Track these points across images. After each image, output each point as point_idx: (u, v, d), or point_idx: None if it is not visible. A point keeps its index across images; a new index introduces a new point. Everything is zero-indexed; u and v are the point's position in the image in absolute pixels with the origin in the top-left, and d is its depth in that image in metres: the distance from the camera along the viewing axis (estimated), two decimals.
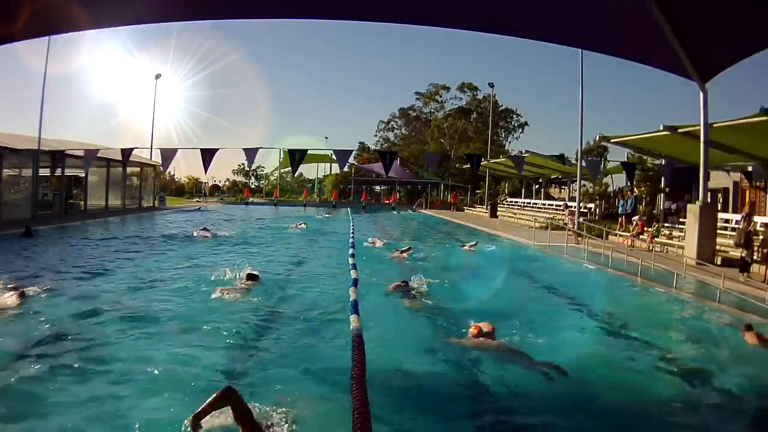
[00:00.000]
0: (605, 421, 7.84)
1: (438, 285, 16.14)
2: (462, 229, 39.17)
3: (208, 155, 22.22)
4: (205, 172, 18.65)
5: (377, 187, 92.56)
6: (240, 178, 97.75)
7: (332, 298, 13.89)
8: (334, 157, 28.63)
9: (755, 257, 19.11)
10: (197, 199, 74.59)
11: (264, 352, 9.93)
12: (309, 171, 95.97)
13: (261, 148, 22.87)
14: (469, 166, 59.01)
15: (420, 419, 7.53)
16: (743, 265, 18.58)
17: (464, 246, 26.79)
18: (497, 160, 56.97)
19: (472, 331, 10.64)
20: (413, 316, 13.09)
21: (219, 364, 9.00)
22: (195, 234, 28.69)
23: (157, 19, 18.50)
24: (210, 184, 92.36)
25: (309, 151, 57.47)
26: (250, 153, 22.99)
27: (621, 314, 13.80)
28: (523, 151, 40.09)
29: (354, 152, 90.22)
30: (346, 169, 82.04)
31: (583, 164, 31.75)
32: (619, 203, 32.44)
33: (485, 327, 10.59)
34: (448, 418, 7.62)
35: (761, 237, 18.61)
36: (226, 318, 11.79)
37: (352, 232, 28.16)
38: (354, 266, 13.55)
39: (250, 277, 15.41)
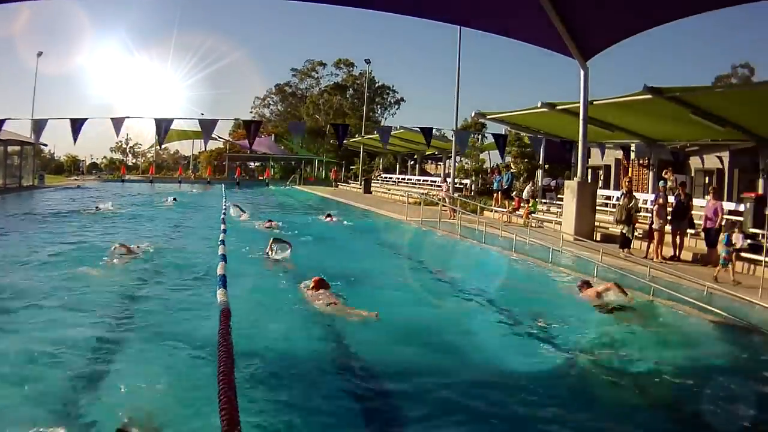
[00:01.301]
0: (437, 355, 8.96)
1: (299, 252, 17.00)
2: (333, 205, 38.63)
3: (77, 125, 20.18)
4: (74, 143, 17.81)
5: (252, 164, 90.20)
6: (118, 156, 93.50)
7: (204, 268, 14.29)
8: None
9: (637, 233, 18.82)
10: (75, 177, 70.15)
11: (135, 325, 9.93)
12: (185, 148, 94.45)
13: (128, 117, 21.03)
14: (344, 141, 58.78)
15: (284, 383, 7.61)
16: (623, 242, 18.19)
17: (326, 218, 27.82)
18: (371, 136, 55.55)
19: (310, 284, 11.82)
20: (275, 277, 14.29)
21: (90, 337, 8.94)
22: (81, 210, 28.70)
23: None
24: (88, 162, 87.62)
25: (185, 128, 55.01)
26: (117, 123, 20.75)
27: (477, 280, 14.56)
28: (398, 127, 38.73)
29: (230, 128, 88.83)
30: (221, 145, 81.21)
31: (449, 137, 30.65)
32: (495, 179, 31.52)
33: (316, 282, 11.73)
34: (309, 381, 7.80)
35: (654, 211, 17.83)
36: (100, 291, 12.00)
37: (224, 207, 27.90)
38: (223, 242, 12.63)
39: (126, 250, 15.74)
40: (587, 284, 12.95)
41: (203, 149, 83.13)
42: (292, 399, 7.06)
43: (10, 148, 46.40)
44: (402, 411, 7.19)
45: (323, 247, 19.51)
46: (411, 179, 51.33)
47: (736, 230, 15.52)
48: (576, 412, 7.25)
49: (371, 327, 10.02)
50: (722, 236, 14.60)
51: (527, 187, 28.89)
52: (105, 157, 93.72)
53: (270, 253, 16.25)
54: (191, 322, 10.06)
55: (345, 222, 27.50)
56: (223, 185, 56.77)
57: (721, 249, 14.24)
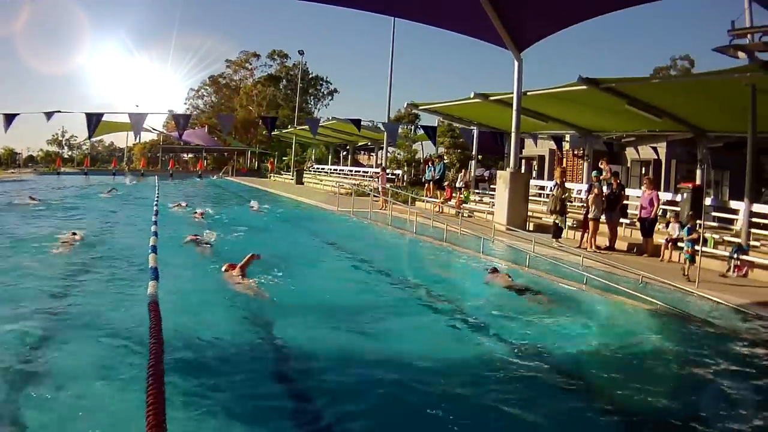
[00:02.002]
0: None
1: (226, 238, 17.38)
2: (264, 196, 37.76)
3: (9, 119, 18.96)
4: (5, 132, 16.97)
5: (185, 155, 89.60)
6: (54, 149, 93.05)
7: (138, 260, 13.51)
8: (145, 125, 27.10)
9: (569, 224, 18.96)
10: (12, 170, 68.03)
11: (67, 313, 9.48)
12: (119, 140, 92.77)
13: (59, 111, 19.95)
14: (276, 132, 58.05)
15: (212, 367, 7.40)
16: (556, 231, 18.18)
17: (252, 207, 27.60)
18: (303, 127, 54.68)
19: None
20: (203, 262, 14.26)
21: (19, 329, 8.32)
22: (18, 201, 27.60)
23: None
24: (24, 155, 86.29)
25: (121, 121, 53.49)
26: (49, 116, 19.84)
27: (402, 269, 14.37)
28: (330, 118, 38.07)
29: (164, 121, 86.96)
30: (155, 137, 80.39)
31: (381, 128, 30.04)
32: (427, 170, 31.01)
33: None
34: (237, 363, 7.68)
35: (589, 200, 17.61)
36: (34, 281, 11.48)
37: (157, 198, 26.59)
38: (155, 233, 11.90)
39: (67, 240, 15.46)
40: (495, 270, 13.01)
41: (137, 141, 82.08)
42: (220, 387, 6.85)
43: None
44: (321, 392, 7.04)
45: (252, 235, 18.97)
46: (343, 170, 50.79)
47: (671, 220, 15.71)
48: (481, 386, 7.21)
49: (292, 310, 10.20)
50: (683, 232, 14.18)
51: (459, 177, 28.36)
52: (41, 149, 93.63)
53: (196, 242, 16.18)
54: (122, 312, 9.57)
55: (274, 212, 27.25)
56: (156, 177, 55.18)
57: (684, 244, 13.62)
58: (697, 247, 13.03)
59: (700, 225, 13.41)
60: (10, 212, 23.65)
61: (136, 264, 13.02)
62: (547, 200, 19.88)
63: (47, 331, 8.46)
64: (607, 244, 17.26)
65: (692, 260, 13.07)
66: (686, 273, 12.92)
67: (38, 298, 10.12)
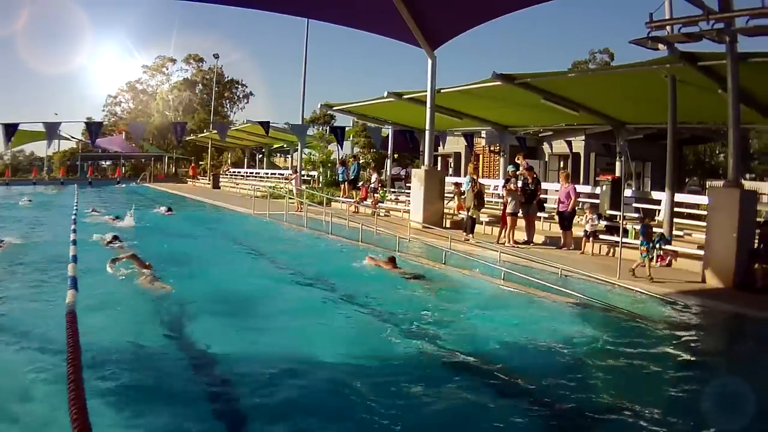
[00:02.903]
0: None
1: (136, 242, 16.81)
2: (181, 201, 37.14)
3: None
4: None
5: (104, 163, 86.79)
6: None
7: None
8: (62, 133, 26.30)
9: (483, 218, 19.10)
10: None
11: None
12: (39, 149, 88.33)
13: None
14: (192, 137, 57.00)
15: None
16: (471, 226, 17.85)
17: (166, 211, 27.02)
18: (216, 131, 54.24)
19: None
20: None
21: None
22: None
23: None
24: None
25: (38, 129, 51.37)
26: None
27: (315, 269, 13.90)
28: (245, 121, 37.42)
29: (82, 128, 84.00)
30: (74, 145, 77.32)
31: (287, 127, 29.36)
32: (338, 170, 30.36)
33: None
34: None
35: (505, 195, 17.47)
36: None
37: (75, 205, 25.91)
38: (74, 242, 11.79)
39: None
40: (372, 258, 13.72)
41: (57, 150, 79.57)
42: (138, 390, 6.73)
43: None
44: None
45: (166, 240, 18.46)
46: (259, 173, 50.32)
47: (587, 212, 15.47)
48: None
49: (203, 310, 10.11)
50: (637, 227, 13.85)
51: (374, 177, 27.84)
52: None
53: (109, 244, 16.21)
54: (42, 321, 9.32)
55: (187, 216, 26.85)
56: (76, 185, 53.11)
57: (640, 241, 12.93)
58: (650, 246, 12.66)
59: (619, 217, 13.15)
60: None
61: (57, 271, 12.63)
62: (463, 197, 19.23)
63: None
64: (525, 239, 17.01)
65: (650, 258, 12.59)
66: (649, 273, 12.26)
67: None
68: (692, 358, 8.29)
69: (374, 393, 6.56)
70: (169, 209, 27.20)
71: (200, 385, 7.20)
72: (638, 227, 13.55)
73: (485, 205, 18.88)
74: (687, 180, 22.44)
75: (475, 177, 18.39)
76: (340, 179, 30.07)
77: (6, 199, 39.93)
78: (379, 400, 6.39)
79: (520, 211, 16.85)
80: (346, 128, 32.33)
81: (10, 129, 19.27)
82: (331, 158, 37.71)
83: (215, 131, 52.41)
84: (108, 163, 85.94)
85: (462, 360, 7.77)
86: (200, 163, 67.87)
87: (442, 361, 7.79)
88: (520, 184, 17.10)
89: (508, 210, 16.83)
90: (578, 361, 7.81)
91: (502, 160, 26.78)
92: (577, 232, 16.03)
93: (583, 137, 27.61)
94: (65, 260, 10.30)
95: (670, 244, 13.78)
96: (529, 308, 10.48)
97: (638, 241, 12.68)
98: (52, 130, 20.96)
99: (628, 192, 17.31)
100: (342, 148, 30.98)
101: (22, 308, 10.20)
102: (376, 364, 7.68)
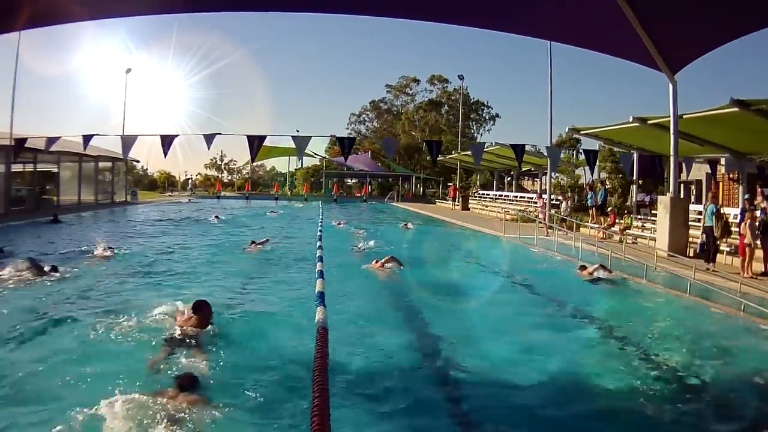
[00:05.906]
0: None
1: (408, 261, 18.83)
2: (435, 222, 39.48)
3: (167, 141, 21.53)
4: (165, 156, 19.89)
5: (349, 180, 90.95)
6: (212, 173, 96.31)
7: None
8: (308, 150, 29.00)
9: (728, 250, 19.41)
10: (169, 194, 73.35)
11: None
12: (281, 164, 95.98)
13: (219, 134, 21.86)
14: (441, 158, 59.11)
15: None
16: (713, 254, 18.91)
17: (404, 227, 31.97)
18: (467, 152, 55.71)
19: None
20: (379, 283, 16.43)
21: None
22: (210, 219, 35.72)
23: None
24: (182, 179, 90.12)
25: (281, 145, 57.04)
26: (209, 138, 22.23)
27: (568, 296, 15.17)
28: (493, 143, 39.69)
29: (326, 146, 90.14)
30: (317, 162, 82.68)
31: (545, 153, 31.04)
32: (587, 196, 32.14)
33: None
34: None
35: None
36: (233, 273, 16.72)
37: (321, 220, 31.49)
38: (320, 258, 15.68)
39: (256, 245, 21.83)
40: (583, 267, 17.02)
41: (299, 166, 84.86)
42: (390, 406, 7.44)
43: (101, 164, 48.56)
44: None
45: (421, 260, 20.41)
46: (508, 196, 50.82)
47: None
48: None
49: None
50: None
51: (563, 205, 29.99)
52: (199, 173, 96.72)
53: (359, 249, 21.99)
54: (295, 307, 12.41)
55: (443, 238, 29.99)
56: (320, 201, 58.40)
57: None
58: None
59: None
60: (200, 225, 31.89)
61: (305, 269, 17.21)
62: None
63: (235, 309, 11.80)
64: (763, 270, 17.47)
65: None
66: None
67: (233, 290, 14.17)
68: None
69: None
70: (407, 225, 31.97)
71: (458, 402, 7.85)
72: None
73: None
74: None
75: (718, 206, 19.19)
76: (589, 204, 31.49)
77: (251, 209, 48.99)
78: None
79: (759, 242, 17.35)
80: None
81: (257, 141, 20.53)
82: (579, 182, 39.36)
83: (464, 152, 54.71)
84: (353, 181, 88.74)
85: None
86: (448, 184, 70.10)
87: None
88: (759, 214, 17.67)
89: (747, 241, 17.38)
90: None
91: (740, 188, 26.85)
92: None
93: None
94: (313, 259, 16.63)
95: None
96: None
97: None
98: (301, 146, 22.01)
99: None
100: (593, 173, 32.42)
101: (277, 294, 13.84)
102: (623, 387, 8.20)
